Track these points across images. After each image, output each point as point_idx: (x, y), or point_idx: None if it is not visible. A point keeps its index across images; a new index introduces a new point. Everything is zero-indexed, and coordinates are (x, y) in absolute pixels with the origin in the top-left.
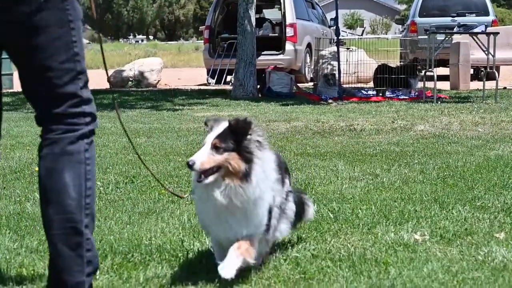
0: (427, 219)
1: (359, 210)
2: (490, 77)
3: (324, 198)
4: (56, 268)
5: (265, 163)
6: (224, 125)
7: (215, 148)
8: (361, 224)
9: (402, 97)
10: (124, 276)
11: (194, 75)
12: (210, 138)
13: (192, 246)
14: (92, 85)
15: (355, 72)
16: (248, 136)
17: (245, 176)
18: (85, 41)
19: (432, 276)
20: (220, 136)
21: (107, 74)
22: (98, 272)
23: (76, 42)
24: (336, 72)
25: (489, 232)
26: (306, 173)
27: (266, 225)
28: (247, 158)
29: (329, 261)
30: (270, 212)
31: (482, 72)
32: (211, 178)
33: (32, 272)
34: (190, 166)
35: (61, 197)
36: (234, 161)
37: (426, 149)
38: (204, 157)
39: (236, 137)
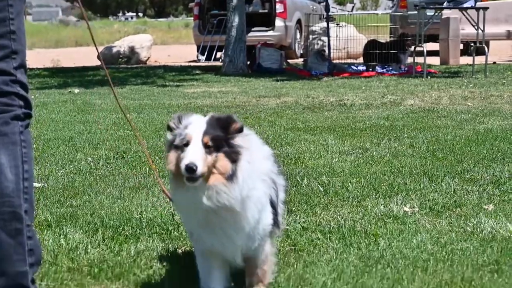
0: (417, 192)
1: (349, 184)
2: (480, 52)
3: (314, 172)
4: None
5: (253, 156)
6: (204, 120)
7: (207, 147)
8: (351, 197)
9: (392, 72)
10: (115, 249)
11: (184, 52)
12: (197, 134)
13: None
14: (82, 62)
15: (345, 48)
16: (234, 133)
17: (231, 176)
18: (73, 18)
19: (421, 247)
20: (208, 133)
21: (97, 50)
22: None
23: (14, 20)
24: (326, 48)
25: (478, 204)
26: (296, 147)
27: (273, 222)
28: (234, 158)
29: (319, 233)
30: (274, 207)
31: (472, 47)
32: (200, 180)
33: None
34: (192, 171)
35: None
36: (222, 162)
37: (416, 123)
38: (202, 159)
39: (222, 134)
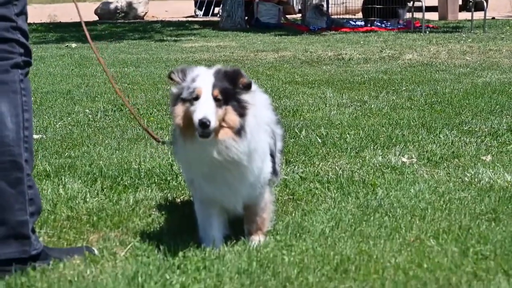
0: (415, 143)
1: (347, 135)
2: (479, 7)
3: (312, 124)
4: None
5: (258, 110)
6: (211, 73)
7: (217, 100)
8: (349, 148)
9: (391, 27)
10: (114, 198)
11: (181, 7)
12: (207, 87)
13: (181, 170)
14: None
15: (343, 3)
16: (242, 88)
17: (239, 131)
18: None
19: (419, 197)
20: (218, 86)
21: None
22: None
23: None
24: (325, 3)
25: (476, 155)
26: (294, 100)
27: (272, 171)
28: (242, 112)
29: (317, 183)
30: (272, 156)
31: (471, 2)
32: (212, 135)
33: None
34: (206, 126)
35: None
36: (231, 115)
37: (414, 77)
38: (214, 113)
39: (230, 87)
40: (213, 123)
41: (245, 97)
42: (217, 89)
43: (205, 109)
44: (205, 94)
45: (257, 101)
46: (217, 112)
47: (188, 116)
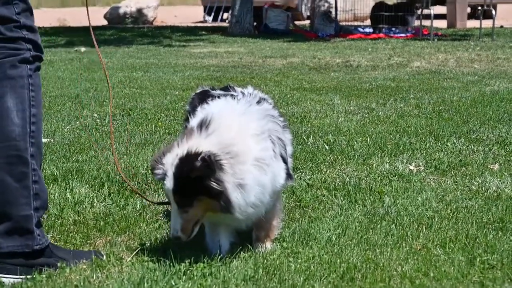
0: (422, 151)
1: (355, 142)
2: (487, 15)
3: (320, 131)
4: (0, 200)
5: (242, 160)
6: (172, 168)
7: (183, 206)
8: (356, 155)
9: (399, 34)
10: (121, 203)
11: (190, 13)
12: (169, 192)
13: None
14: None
15: (351, 10)
16: (208, 176)
17: (226, 208)
18: None
19: (426, 205)
20: (177, 192)
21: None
22: (47, 211)
23: None
24: (333, 10)
25: (483, 163)
26: (302, 106)
27: (286, 176)
28: (216, 193)
29: (324, 190)
30: (285, 162)
31: (479, 10)
32: (195, 230)
33: None
34: (178, 239)
35: (4, 122)
36: (206, 204)
37: (422, 85)
38: (180, 224)
39: (191, 181)
40: (184, 235)
41: (210, 178)
42: (177, 194)
43: (173, 222)
44: (172, 200)
45: (238, 139)
46: (187, 215)
47: None
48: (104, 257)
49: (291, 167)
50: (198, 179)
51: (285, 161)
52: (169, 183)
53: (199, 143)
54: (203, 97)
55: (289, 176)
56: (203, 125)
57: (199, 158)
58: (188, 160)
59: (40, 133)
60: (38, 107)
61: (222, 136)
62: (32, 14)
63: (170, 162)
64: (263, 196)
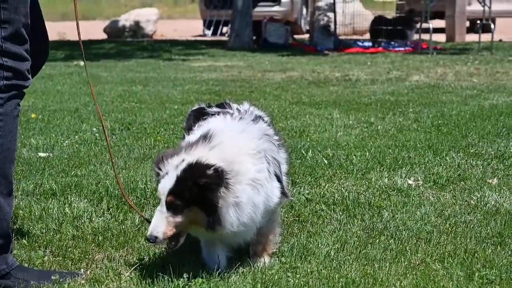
0: (421, 165)
1: (353, 156)
2: (486, 29)
3: (319, 145)
4: None
5: (239, 180)
6: (175, 172)
7: (172, 209)
8: (355, 170)
9: (398, 48)
10: (119, 218)
11: (190, 27)
12: (164, 192)
13: None
14: (88, 36)
15: (350, 23)
16: (202, 185)
17: (212, 225)
18: None
19: (425, 219)
20: (173, 192)
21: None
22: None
23: None
24: (332, 24)
25: (482, 178)
26: (301, 120)
27: (281, 195)
28: (213, 208)
29: (323, 205)
30: (280, 181)
31: (478, 24)
32: (181, 241)
33: (28, 213)
34: (155, 239)
35: None
36: (196, 216)
37: (421, 99)
38: (163, 225)
39: (192, 187)
40: (161, 236)
41: (215, 191)
42: (172, 195)
43: (154, 222)
44: (162, 201)
45: (237, 157)
46: (173, 220)
47: None
48: (84, 275)
49: (287, 186)
50: (202, 187)
51: (279, 180)
52: (168, 183)
53: (207, 155)
54: (198, 115)
55: (284, 194)
56: (206, 138)
57: (211, 168)
58: (198, 167)
59: (5, 162)
60: (4, 137)
61: (225, 153)
62: (22, 40)
63: (175, 164)
64: (254, 216)
